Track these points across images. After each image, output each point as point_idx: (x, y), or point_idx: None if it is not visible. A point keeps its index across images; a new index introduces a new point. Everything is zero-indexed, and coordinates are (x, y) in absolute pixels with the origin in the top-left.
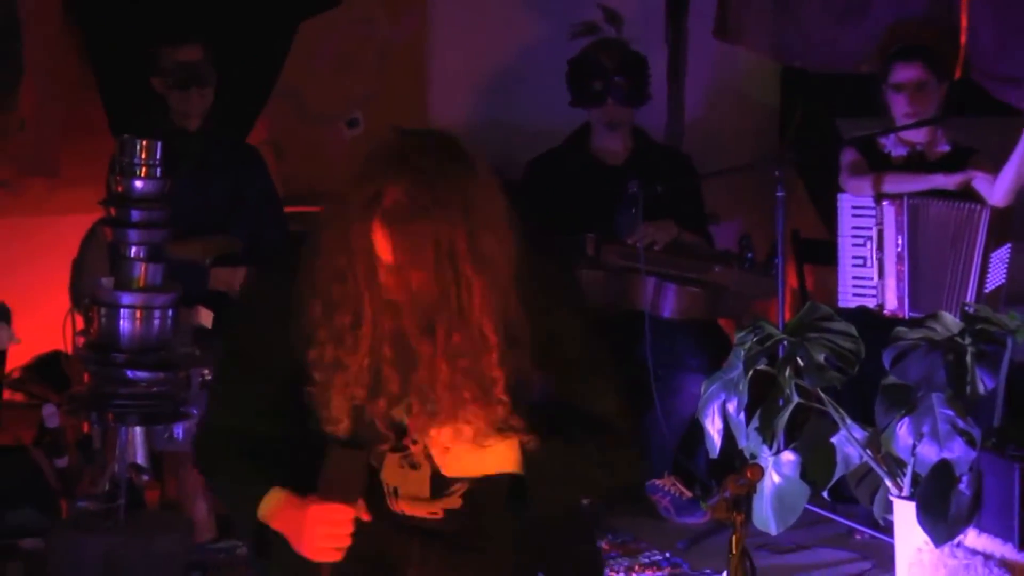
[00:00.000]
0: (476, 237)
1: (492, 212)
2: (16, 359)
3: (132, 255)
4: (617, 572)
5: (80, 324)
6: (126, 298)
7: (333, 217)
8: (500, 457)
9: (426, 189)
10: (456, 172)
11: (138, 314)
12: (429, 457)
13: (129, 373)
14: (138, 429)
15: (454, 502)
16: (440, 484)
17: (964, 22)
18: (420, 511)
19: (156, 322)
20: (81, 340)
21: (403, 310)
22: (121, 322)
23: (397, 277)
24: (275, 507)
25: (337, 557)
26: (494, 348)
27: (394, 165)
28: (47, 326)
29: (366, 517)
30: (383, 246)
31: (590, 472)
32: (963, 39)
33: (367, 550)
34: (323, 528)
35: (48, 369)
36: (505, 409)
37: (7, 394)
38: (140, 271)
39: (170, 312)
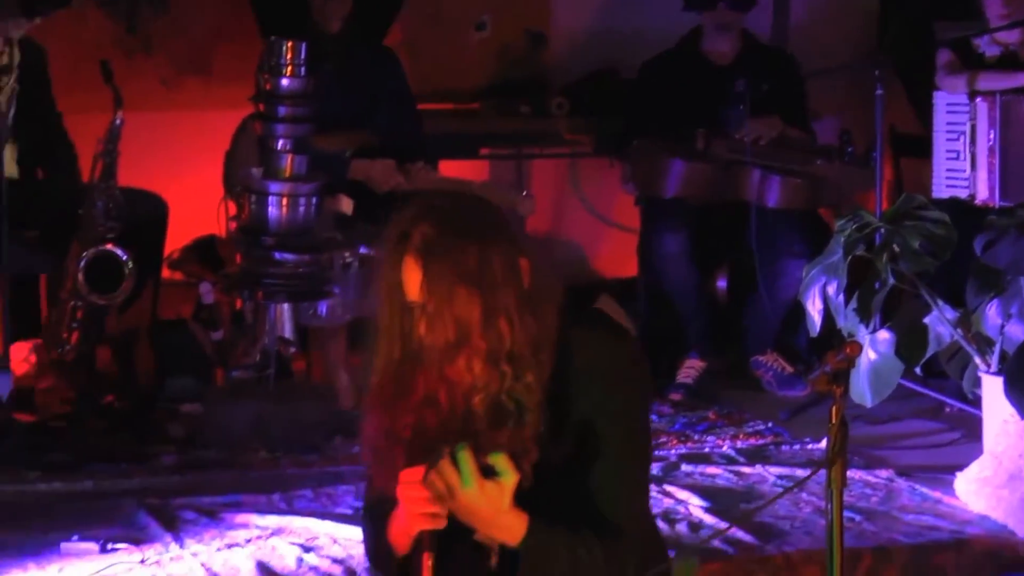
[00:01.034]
0: (492, 264)
1: (508, 251)
2: (175, 242)
3: (279, 147)
4: (723, 440)
5: (232, 210)
6: (274, 186)
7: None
8: (509, 527)
9: (450, 224)
10: (474, 212)
11: (285, 201)
12: None
13: (277, 255)
14: (286, 305)
15: None
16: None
17: None
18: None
19: (301, 208)
20: (233, 225)
21: (429, 351)
22: (269, 208)
23: (422, 314)
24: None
25: (438, 524)
26: (514, 376)
27: (421, 209)
28: (203, 212)
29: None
30: (412, 280)
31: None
32: None
33: None
34: (412, 491)
35: (204, 251)
36: (529, 434)
37: (167, 273)
38: (286, 162)
39: (314, 200)
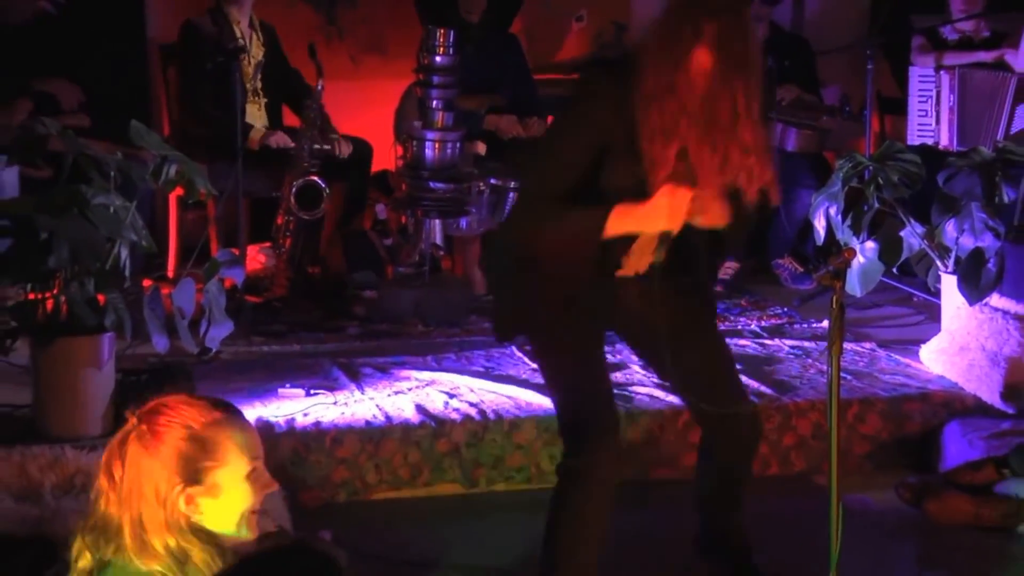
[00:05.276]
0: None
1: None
2: None
3: (434, 106)
4: (751, 320)
5: (400, 151)
6: (430, 134)
7: (655, 51)
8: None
9: (734, 20)
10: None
11: (437, 145)
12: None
13: (431, 184)
14: (437, 221)
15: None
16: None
17: None
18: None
19: (449, 151)
20: (400, 162)
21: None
22: (426, 151)
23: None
24: (619, 215)
25: (674, 226)
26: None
27: (709, 7)
28: (378, 153)
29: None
30: (705, 65)
31: None
32: None
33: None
34: (671, 199)
35: (379, 181)
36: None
37: None
38: (439, 116)
39: (458, 144)
